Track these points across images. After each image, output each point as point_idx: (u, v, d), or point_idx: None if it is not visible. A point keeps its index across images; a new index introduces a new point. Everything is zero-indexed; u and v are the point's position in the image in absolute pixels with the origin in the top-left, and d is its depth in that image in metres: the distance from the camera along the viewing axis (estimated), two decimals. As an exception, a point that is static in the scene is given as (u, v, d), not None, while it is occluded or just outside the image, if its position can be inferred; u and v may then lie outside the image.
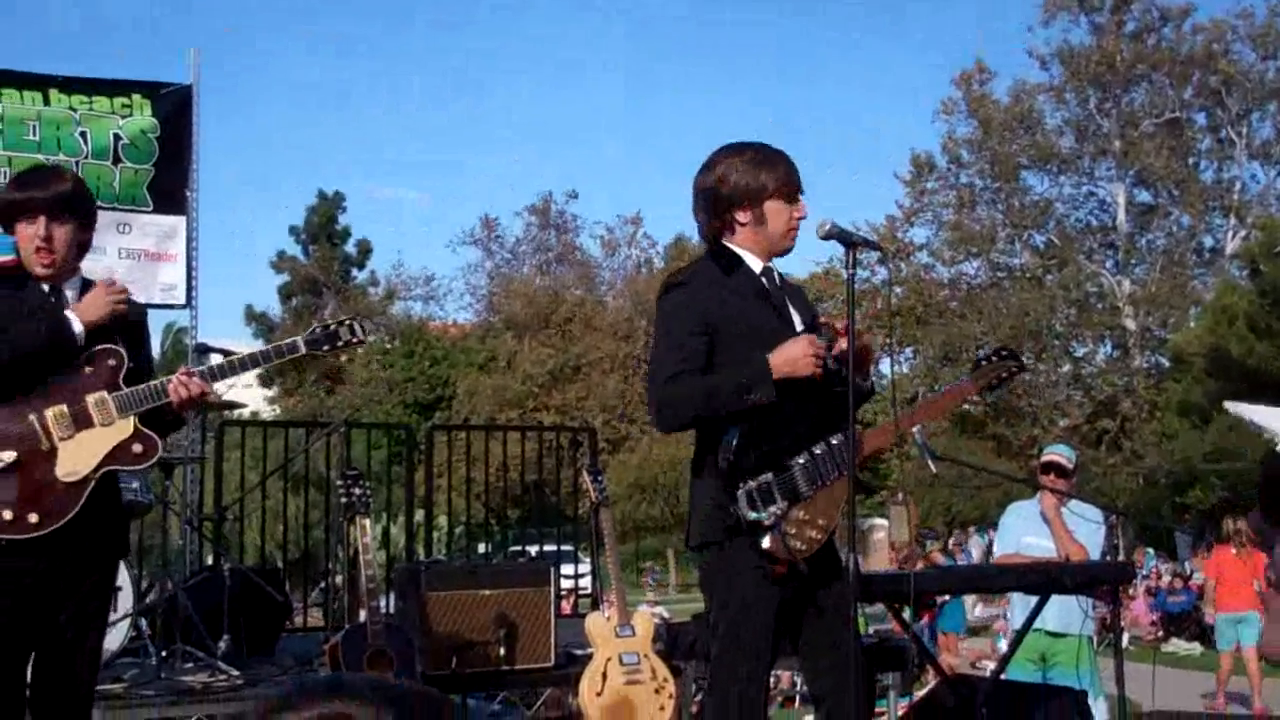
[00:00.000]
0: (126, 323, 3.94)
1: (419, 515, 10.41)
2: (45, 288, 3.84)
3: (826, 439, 3.60)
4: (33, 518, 3.59)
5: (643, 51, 73.78)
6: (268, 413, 39.50)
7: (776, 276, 3.84)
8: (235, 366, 4.02)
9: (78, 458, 3.69)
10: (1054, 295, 34.99)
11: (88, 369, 3.77)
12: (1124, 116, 35.29)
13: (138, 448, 3.78)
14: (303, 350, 4.03)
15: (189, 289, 8.99)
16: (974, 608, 18.74)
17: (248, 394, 45.66)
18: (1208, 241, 36.56)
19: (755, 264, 3.75)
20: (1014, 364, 4.11)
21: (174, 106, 9.06)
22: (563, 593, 13.29)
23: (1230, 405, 4.38)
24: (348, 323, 4.14)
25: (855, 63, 69.57)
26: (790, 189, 3.73)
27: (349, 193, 53.34)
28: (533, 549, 11.44)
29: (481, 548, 14.54)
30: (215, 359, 4.01)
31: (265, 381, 46.78)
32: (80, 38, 66.92)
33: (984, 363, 4.12)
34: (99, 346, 3.79)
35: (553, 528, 11.23)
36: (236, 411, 11.82)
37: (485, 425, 24.74)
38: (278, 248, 47.43)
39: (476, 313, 46.76)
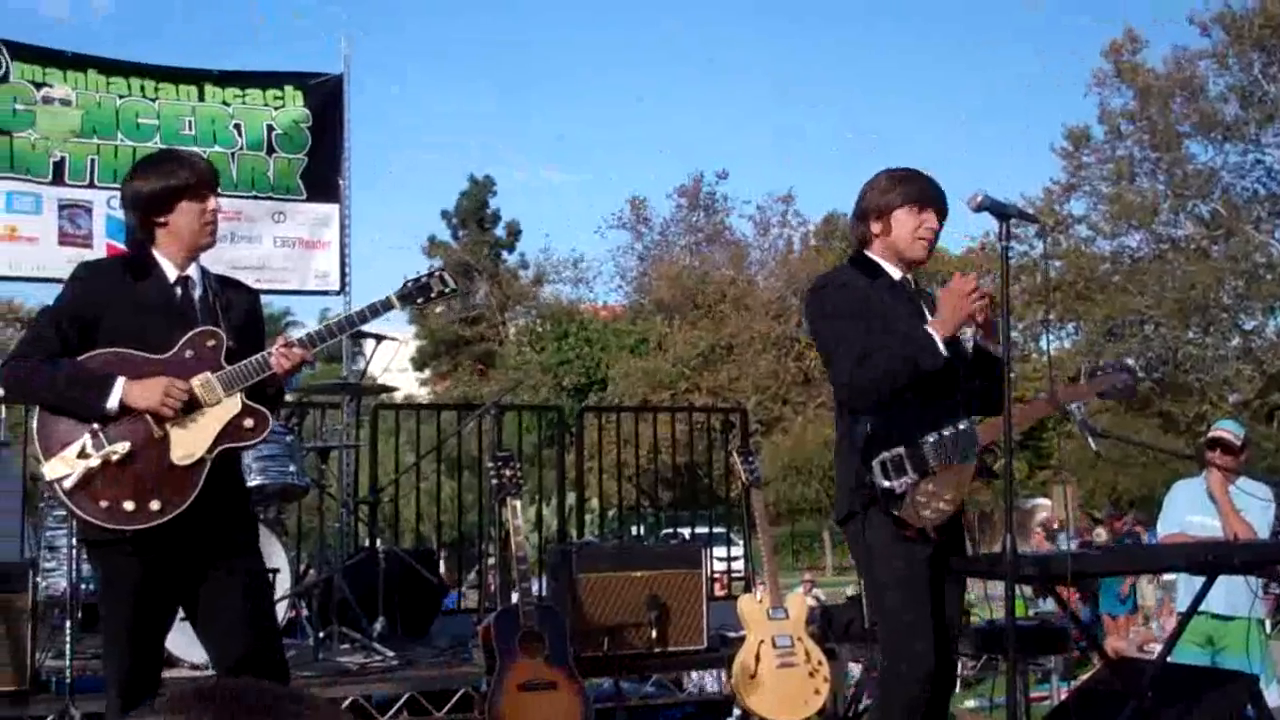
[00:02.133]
0: (252, 317, 4.06)
1: (570, 498, 10.47)
2: (172, 277, 3.89)
3: (955, 423, 3.90)
4: (154, 505, 3.63)
5: (794, 30, 72.99)
6: (422, 397, 40.21)
7: (912, 282, 4.23)
8: (333, 331, 4.06)
9: (191, 440, 3.72)
10: (1221, 266, 33.72)
11: (188, 353, 3.79)
12: (1292, 80, 33.85)
13: (249, 423, 3.80)
14: (396, 305, 4.07)
15: (343, 275, 9.16)
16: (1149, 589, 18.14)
17: (402, 378, 46.79)
18: (1382, 205, 34.92)
19: (894, 272, 4.14)
20: (1126, 375, 4.18)
21: (325, 96, 9.23)
22: (716, 575, 13.31)
23: None
24: (438, 274, 4.15)
25: (1007, 36, 67.78)
26: (918, 201, 4.05)
27: (499, 176, 54.00)
28: (685, 531, 11.39)
29: (634, 530, 14.59)
30: (310, 327, 4.08)
31: (419, 366, 47.75)
32: (232, 32, 68.75)
33: (1099, 372, 4.26)
34: (198, 330, 3.82)
35: (705, 509, 11.20)
36: (389, 395, 12.02)
37: (635, 407, 24.75)
38: (429, 232, 48.34)
39: (626, 295, 46.88)
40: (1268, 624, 6.85)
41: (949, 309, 3.93)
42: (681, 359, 38.72)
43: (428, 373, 47.87)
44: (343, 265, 9.16)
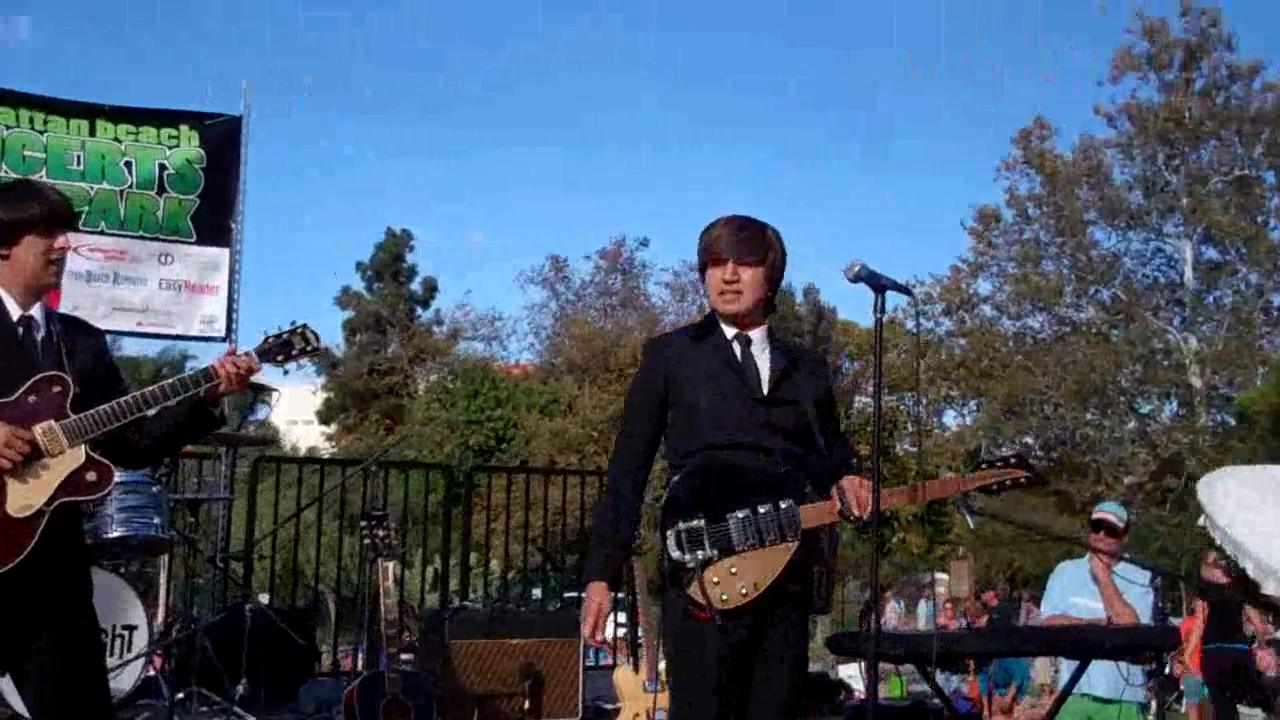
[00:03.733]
0: (101, 361, 3.84)
1: (469, 558, 10.24)
2: (15, 316, 3.66)
3: (777, 501, 3.60)
4: None
5: (703, 109, 73.82)
6: (327, 450, 39.62)
7: (752, 339, 3.86)
8: (173, 390, 3.68)
9: (29, 492, 3.49)
10: (1120, 351, 34.43)
11: (32, 398, 3.56)
12: (1192, 173, 34.76)
13: (92, 476, 3.57)
14: (256, 360, 3.77)
15: (229, 322, 8.92)
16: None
17: (306, 430, 45.87)
18: (1276, 300, 35.82)
19: (728, 330, 3.86)
20: (1024, 473, 3.89)
21: (222, 137, 9.03)
22: (610, 642, 13.14)
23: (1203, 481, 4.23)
24: (299, 329, 3.84)
25: (918, 120, 69.14)
26: (709, 252, 3.79)
27: (418, 232, 53.62)
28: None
29: (534, 593, 14.35)
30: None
31: (325, 419, 47.10)
32: (128, 70, 68.01)
33: (996, 464, 3.90)
34: (43, 375, 3.60)
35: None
36: (273, 448, 11.73)
37: (526, 468, 24.40)
38: (344, 284, 47.94)
39: (538, 354, 46.74)
40: (1152, 707, 6.80)
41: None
42: (590, 421, 38.58)
43: (334, 426, 47.26)
44: (230, 311, 8.92)
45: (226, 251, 8.97)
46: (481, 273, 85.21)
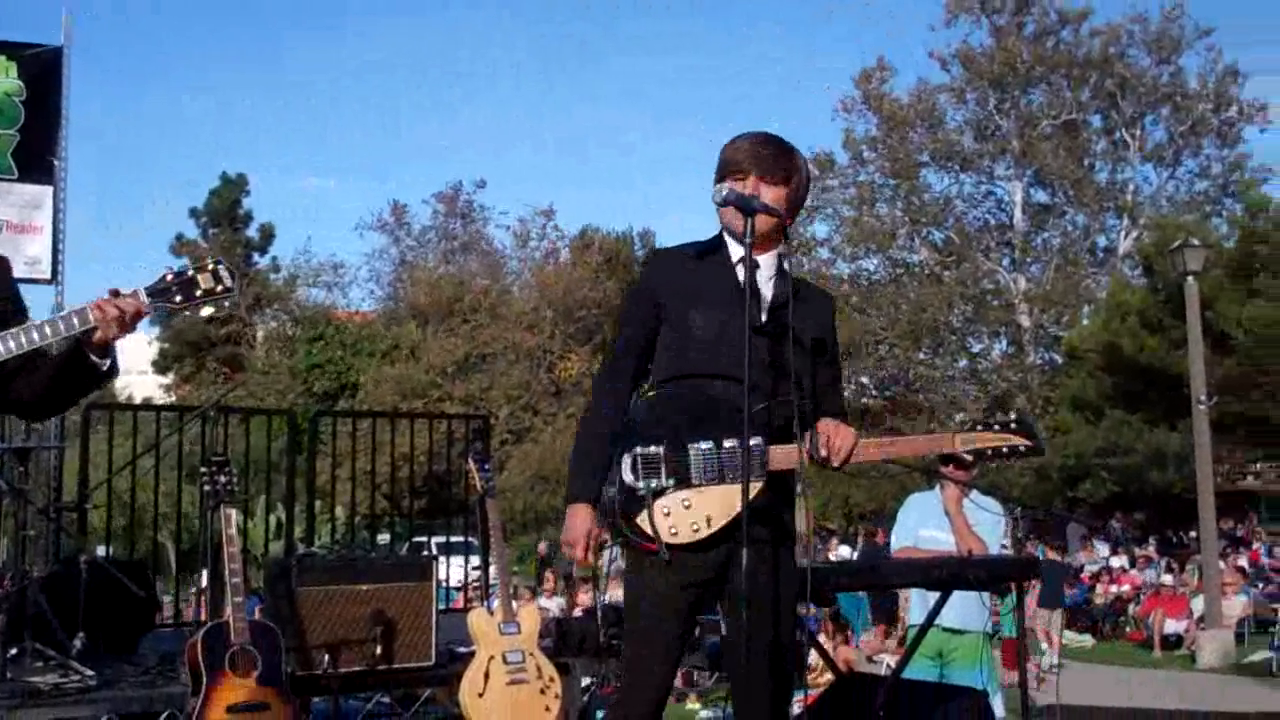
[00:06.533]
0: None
1: (314, 505, 10.00)
2: None
3: (749, 439, 3.24)
4: None
5: (550, 47, 73.15)
6: (162, 401, 38.49)
7: (761, 263, 3.54)
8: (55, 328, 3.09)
9: None
10: (951, 291, 35.28)
11: None
12: (1023, 117, 35.64)
13: None
14: (145, 300, 3.12)
15: (55, 263, 8.52)
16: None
17: (140, 380, 44.52)
18: (1101, 241, 37.12)
19: (735, 250, 3.49)
20: (1026, 441, 3.57)
21: (41, 69, 8.60)
22: (460, 585, 13.00)
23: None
24: (211, 266, 3.21)
25: (759, 57, 69.56)
26: (731, 166, 3.48)
27: (253, 177, 52.28)
28: (439, 540, 11.02)
29: (381, 539, 14.11)
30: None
31: (161, 369, 45.78)
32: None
33: (995, 426, 3.59)
34: None
35: (452, 518, 10.88)
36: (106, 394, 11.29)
37: (373, 412, 23.95)
38: (177, 230, 46.50)
39: (380, 301, 46.12)
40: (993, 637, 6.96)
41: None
42: (434, 367, 38.22)
43: (171, 376, 45.99)
44: (55, 252, 8.52)
45: (50, 189, 8.58)
46: (318, 221, 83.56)
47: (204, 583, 8.25)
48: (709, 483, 3.33)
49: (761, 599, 3.33)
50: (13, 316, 3.16)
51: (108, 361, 3.12)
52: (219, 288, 3.21)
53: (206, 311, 3.25)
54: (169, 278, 3.17)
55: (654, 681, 3.40)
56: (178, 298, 3.16)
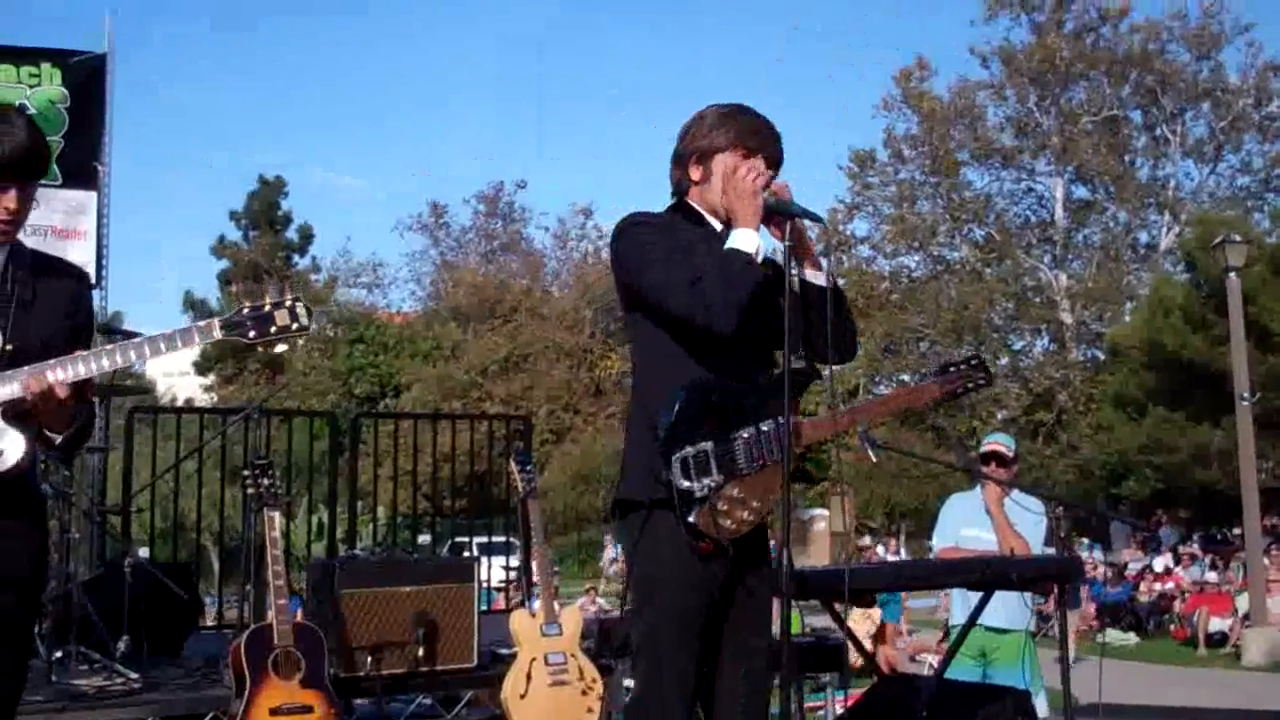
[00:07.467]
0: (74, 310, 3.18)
1: (354, 506, 10.04)
2: None
3: (776, 417, 3.24)
4: None
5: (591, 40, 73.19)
6: (204, 403, 38.81)
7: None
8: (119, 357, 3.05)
9: None
10: (993, 289, 35.12)
11: None
12: (1063, 114, 35.38)
13: None
14: (218, 335, 3.09)
15: (99, 268, 8.61)
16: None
17: (183, 381, 44.89)
18: (1143, 237, 36.79)
19: (717, 225, 3.42)
20: (982, 375, 3.89)
21: (86, 76, 8.70)
22: (504, 585, 13.01)
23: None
24: (289, 303, 3.10)
25: (799, 56, 69.35)
26: (743, 142, 3.40)
27: (291, 179, 52.57)
28: (480, 540, 11.08)
29: (422, 538, 14.14)
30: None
31: (202, 370, 46.17)
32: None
33: (953, 369, 3.89)
34: None
35: (493, 519, 10.90)
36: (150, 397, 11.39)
37: (413, 414, 23.99)
38: (219, 232, 46.93)
39: (421, 301, 46.37)
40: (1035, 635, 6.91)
41: (735, 202, 3.26)
42: (474, 367, 38.36)
43: (212, 377, 46.39)
44: (100, 258, 8.60)
45: (94, 195, 8.66)
46: (355, 219, 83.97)
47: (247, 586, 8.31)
48: (755, 470, 3.25)
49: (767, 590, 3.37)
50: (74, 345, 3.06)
51: (58, 439, 3.00)
52: (294, 325, 3.12)
53: (280, 349, 3.18)
54: (245, 311, 3.10)
55: (678, 692, 3.30)
56: (251, 333, 3.09)
